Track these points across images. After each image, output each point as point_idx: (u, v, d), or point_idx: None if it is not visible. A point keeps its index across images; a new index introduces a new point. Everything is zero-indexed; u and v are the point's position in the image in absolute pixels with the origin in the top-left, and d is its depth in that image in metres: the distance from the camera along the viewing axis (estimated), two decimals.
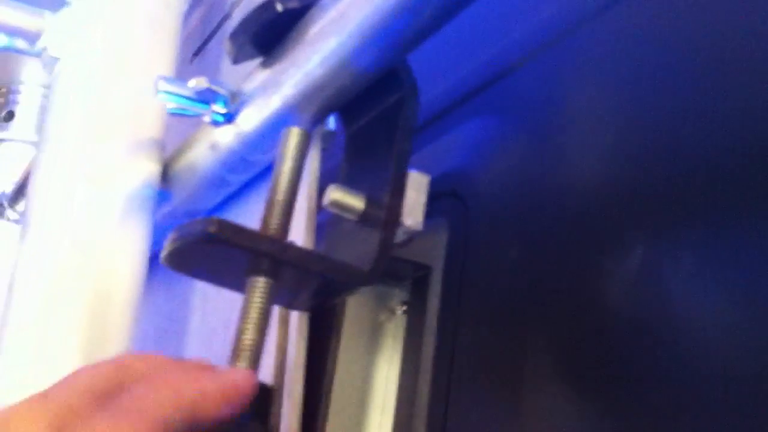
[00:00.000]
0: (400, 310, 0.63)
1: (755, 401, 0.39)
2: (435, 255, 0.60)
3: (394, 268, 0.62)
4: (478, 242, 0.59)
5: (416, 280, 0.62)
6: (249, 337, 0.46)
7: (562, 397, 0.50)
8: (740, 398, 0.39)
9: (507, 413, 0.53)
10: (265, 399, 0.46)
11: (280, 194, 0.49)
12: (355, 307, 0.63)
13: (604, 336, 0.48)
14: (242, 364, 0.46)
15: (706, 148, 0.46)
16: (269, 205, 0.49)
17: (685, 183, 0.47)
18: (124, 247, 0.67)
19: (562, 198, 0.55)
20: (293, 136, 0.50)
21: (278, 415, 0.56)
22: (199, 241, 0.45)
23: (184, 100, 0.56)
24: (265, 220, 0.49)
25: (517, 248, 0.56)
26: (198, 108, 0.57)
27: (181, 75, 0.75)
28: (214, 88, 0.56)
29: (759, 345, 0.39)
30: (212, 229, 0.44)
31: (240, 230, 0.45)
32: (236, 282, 0.50)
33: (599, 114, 0.55)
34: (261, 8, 0.51)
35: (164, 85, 0.56)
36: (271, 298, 0.48)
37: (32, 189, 0.68)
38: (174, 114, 0.59)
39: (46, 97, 1.17)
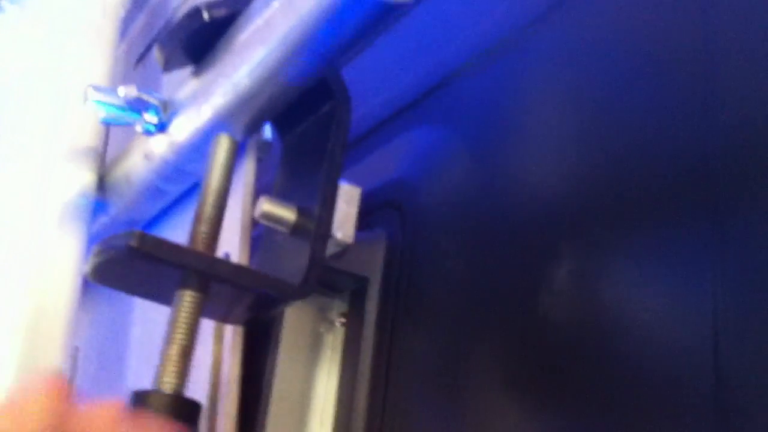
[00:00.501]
0: (339, 321, 0.62)
1: (686, 399, 0.39)
2: (373, 266, 0.60)
3: (332, 280, 0.61)
4: (417, 253, 0.59)
5: (354, 292, 0.61)
6: (175, 353, 0.45)
7: (499, 405, 0.50)
8: (671, 397, 0.39)
9: (444, 422, 0.52)
10: (191, 415, 0.45)
11: (209, 204, 0.48)
12: (294, 319, 0.62)
13: (541, 344, 0.48)
14: (169, 380, 0.45)
15: (640, 158, 0.46)
16: (198, 214, 0.48)
17: (618, 193, 0.47)
18: (60, 256, 0.65)
19: (500, 208, 0.55)
20: (222, 143, 0.50)
21: (215, 429, 0.55)
22: (122, 255, 0.44)
23: (114, 110, 0.55)
24: (195, 231, 0.48)
25: (455, 258, 0.56)
26: (129, 117, 0.56)
27: (126, 82, 0.74)
28: (144, 97, 0.55)
29: (687, 346, 0.39)
30: (134, 243, 0.43)
31: (163, 244, 0.44)
32: (165, 296, 0.49)
33: (539, 124, 0.55)
34: (189, 16, 0.50)
35: (94, 94, 0.55)
36: (199, 312, 0.47)
37: None
38: (106, 123, 0.58)
39: None
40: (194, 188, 0.65)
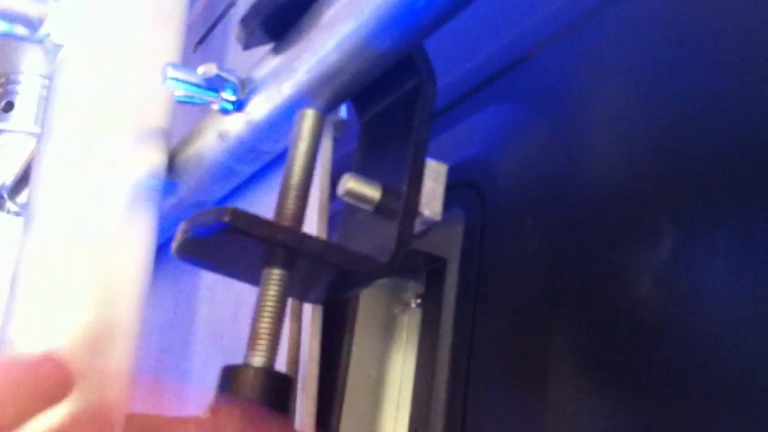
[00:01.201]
0: (414, 302, 0.62)
1: None
2: (451, 247, 0.59)
3: (408, 260, 0.60)
4: (495, 234, 0.58)
5: (431, 273, 0.61)
6: (265, 330, 0.45)
7: (583, 393, 0.49)
8: (765, 398, 0.38)
9: (527, 409, 0.51)
10: (284, 389, 0.45)
11: (295, 178, 0.48)
12: (368, 300, 0.61)
13: (628, 330, 0.47)
14: (258, 358, 0.45)
15: (735, 136, 0.45)
16: (284, 190, 0.48)
17: (712, 172, 0.45)
18: (131, 239, 0.65)
19: (581, 188, 0.54)
20: (308, 118, 0.49)
21: (293, 409, 0.54)
22: (213, 231, 0.44)
23: (192, 88, 0.55)
24: (280, 206, 0.47)
25: (535, 240, 0.55)
26: (207, 96, 0.56)
27: (186, 64, 0.74)
28: (223, 74, 0.54)
29: None
30: (227, 218, 0.43)
31: (255, 220, 0.44)
32: (250, 273, 0.48)
33: (619, 102, 0.54)
34: None
35: (173, 72, 0.55)
36: (286, 289, 0.47)
37: (35, 181, 0.66)
38: (182, 102, 0.57)
39: (46, 87, 1.15)
40: (263, 169, 0.64)
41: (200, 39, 0.87)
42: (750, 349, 0.40)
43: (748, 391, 0.39)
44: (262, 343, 0.44)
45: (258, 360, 0.44)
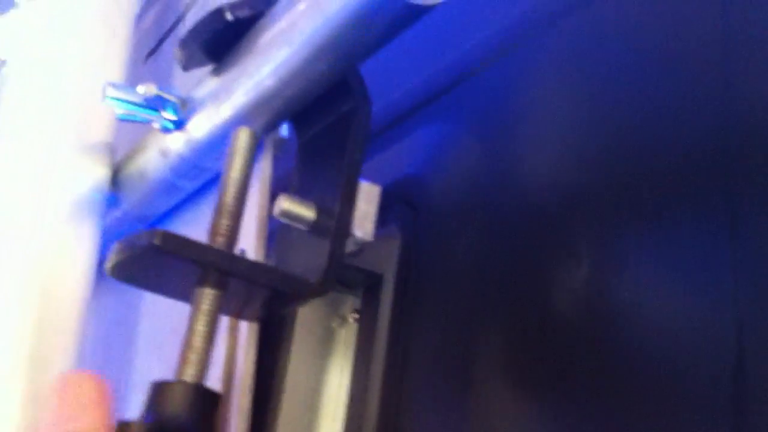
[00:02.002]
0: (352, 317, 0.63)
1: (706, 398, 0.39)
2: (387, 262, 0.60)
3: (345, 276, 0.62)
4: (429, 249, 0.59)
5: (368, 288, 0.62)
6: (196, 347, 0.46)
7: (513, 401, 0.51)
8: (691, 396, 0.40)
9: (458, 418, 0.53)
10: (211, 406, 0.46)
11: (229, 196, 0.49)
12: (306, 315, 0.62)
13: (554, 339, 0.49)
14: (191, 371, 0.46)
15: (654, 150, 0.47)
16: (218, 207, 0.49)
17: (632, 188, 0.47)
18: (72, 250, 0.66)
19: (513, 204, 0.56)
20: (242, 136, 0.50)
21: (227, 424, 0.55)
22: (143, 253, 0.45)
23: (132, 107, 0.56)
24: (214, 224, 0.48)
25: (469, 255, 0.57)
26: (147, 114, 0.56)
27: (135, 76, 0.74)
28: (163, 95, 0.55)
29: (705, 344, 0.40)
30: (157, 241, 0.44)
31: (186, 242, 0.45)
32: (183, 292, 0.49)
33: (552, 122, 0.55)
34: (211, 16, 0.51)
35: (112, 92, 0.55)
36: (219, 308, 0.48)
37: None
38: (123, 120, 0.58)
39: None
40: (206, 184, 0.65)
41: (150, 51, 0.88)
42: (664, 354, 0.42)
43: (663, 396, 0.41)
44: (193, 359, 0.45)
45: (190, 376, 0.45)
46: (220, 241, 0.47)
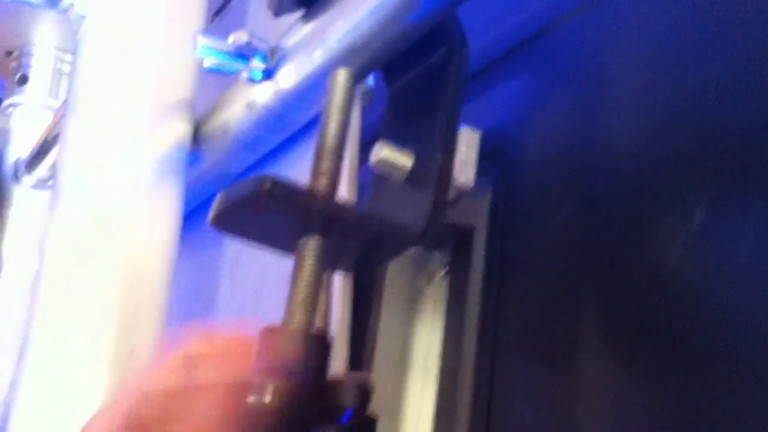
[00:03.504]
0: (440, 274, 0.62)
1: None
2: (478, 217, 0.59)
3: (434, 232, 0.60)
4: (522, 204, 0.58)
5: (457, 243, 0.60)
6: (302, 295, 0.45)
7: (612, 366, 0.49)
8: None
9: (555, 382, 0.51)
10: (322, 351, 0.45)
11: (331, 138, 0.47)
12: (394, 273, 0.61)
13: (657, 302, 0.47)
14: (299, 316, 0.45)
15: (762, 104, 0.45)
16: (319, 152, 0.47)
17: (743, 144, 0.45)
18: (157, 209, 0.65)
19: (610, 159, 0.54)
20: (341, 77, 0.48)
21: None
22: (252, 201, 0.44)
23: (223, 56, 0.55)
24: (317, 168, 0.47)
25: (562, 211, 0.55)
26: (236, 64, 0.55)
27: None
28: (254, 42, 0.54)
29: None
30: (267, 186, 0.43)
31: (294, 189, 0.44)
32: (286, 242, 0.48)
33: (649, 72, 0.53)
34: None
35: (204, 41, 0.54)
36: (322, 257, 0.47)
37: (61, 154, 0.66)
38: (210, 71, 0.57)
39: (60, 60, 1.14)
40: (292, 138, 0.64)
41: (217, 10, 0.87)
42: None
43: None
44: (301, 307, 0.44)
45: (297, 322, 0.44)
46: (324, 184, 0.46)
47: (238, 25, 0.86)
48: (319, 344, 0.44)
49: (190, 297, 0.80)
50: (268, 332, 0.44)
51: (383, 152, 0.49)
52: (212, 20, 0.90)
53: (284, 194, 0.43)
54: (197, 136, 0.67)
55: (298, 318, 0.44)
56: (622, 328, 0.49)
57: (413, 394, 0.61)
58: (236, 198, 0.44)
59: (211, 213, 0.46)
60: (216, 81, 0.65)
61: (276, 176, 0.43)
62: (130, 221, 0.63)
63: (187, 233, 0.76)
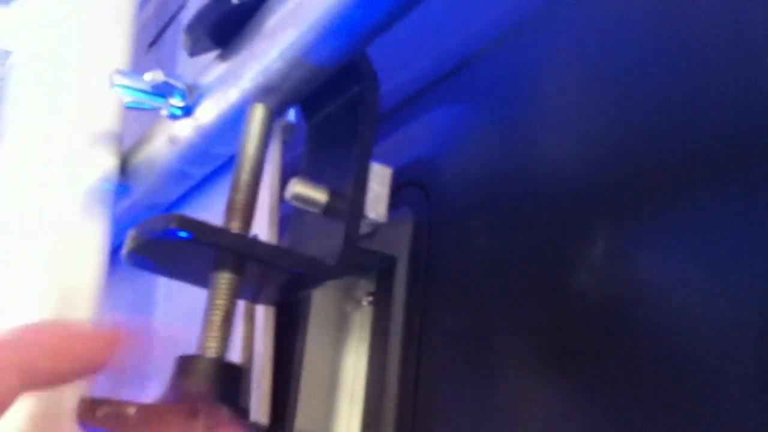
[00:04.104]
0: (366, 300, 0.63)
1: (725, 381, 0.39)
2: (400, 245, 0.60)
3: (359, 259, 0.61)
4: (443, 231, 0.59)
5: (382, 271, 0.62)
6: (216, 325, 0.46)
7: (531, 384, 0.51)
8: (712, 378, 0.40)
9: (476, 400, 0.53)
10: (234, 379, 0.46)
11: (246, 172, 0.49)
12: (321, 299, 0.62)
13: (572, 321, 0.48)
14: (212, 345, 0.46)
15: (672, 136, 0.47)
16: (234, 185, 0.49)
17: (650, 167, 0.47)
18: (84, 241, 0.66)
19: (526, 186, 0.55)
20: (257, 112, 0.50)
21: (247, 402, 0.56)
22: (161, 238, 0.45)
23: (140, 94, 0.56)
24: (231, 201, 0.48)
25: (482, 237, 0.57)
26: (155, 101, 0.56)
27: (138, 65, 0.74)
28: (170, 81, 0.55)
29: (726, 327, 0.40)
30: (174, 224, 0.44)
31: (202, 226, 0.45)
32: (200, 277, 0.49)
33: (565, 102, 0.55)
34: (216, 1, 0.51)
35: (120, 79, 0.55)
36: (237, 293, 0.48)
37: None
38: (130, 108, 0.58)
39: None
40: (216, 172, 0.65)
41: (152, 40, 0.88)
42: (679, 337, 0.42)
43: (685, 378, 0.41)
44: (214, 336, 0.46)
45: (211, 350, 0.46)
46: (237, 222, 0.47)
47: (173, 54, 0.86)
48: (230, 372, 0.45)
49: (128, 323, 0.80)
50: (183, 360, 0.45)
51: (296, 188, 0.51)
52: (147, 51, 0.91)
53: (193, 232, 0.44)
54: (125, 169, 0.68)
55: (212, 346, 0.45)
56: (542, 350, 0.50)
57: (341, 418, 0.62)
58: (146, 235, 0.45)
59: (124, 250, 0.47)
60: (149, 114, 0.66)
61: (184, 215, 0.44)
62: (57, 251, 0.64)
63: (123, 263, 0.77)
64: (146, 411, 0.42)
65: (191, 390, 0.45)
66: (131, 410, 0.42)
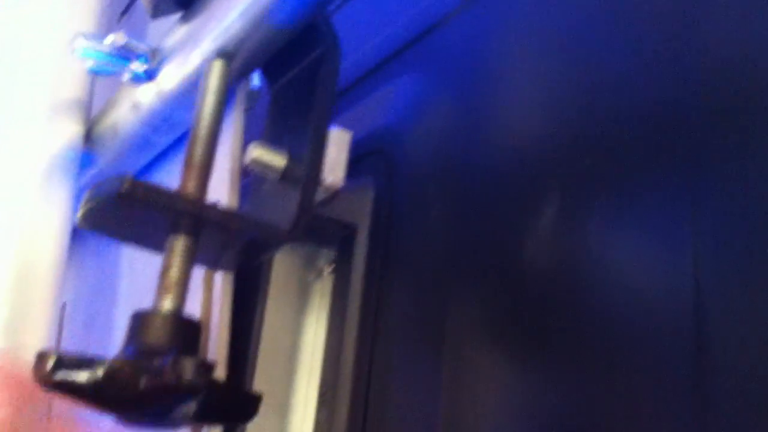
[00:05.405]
0: (327, 270, 0.63)
1: (668, 346, 0.39)
2: (361, 214, 0.60)
3: (320, 228, 0.61)
4: (404, 200, 0.59)
5: (343, 240, 0.62)
6: (173, 279, 0.46)
7: (483, 354, 0.51)
8: (654, 342, 0.40)
9: (431, 370, 0.53)
10: (193, 334, 0.46)
11: (203, 129, 0.48)
12: (282, 267, 0.62)
13: (524, 291, 0.49)
14: (168, 301, 0.46)
15: (619, 105, 0.47)
16: (192, 140, 0.48)
17: (599, 140, 0.47)
18: (47, 211, 0.65)
19: (484, 155, 0.55)
20: (216, 67, 0.49)
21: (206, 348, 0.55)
22: (111, 200, 0.44)
23: (102, 57, 0.55)
24: (188, 158, 0.48)
25: (441, 205, 0.57)
26: (117, 66, 0.56)
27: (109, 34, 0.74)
28: (132, 45, 0.55)
29: (668, 292, 0.40)
30: (125, 187, 0.44)
31: (154, 189, 0.45)
32: (156, 242, 0.49)
33: (522, 71, 0.55)
34: None
35: (82, 42, 0.55)
36: (192, 257, 0.48)
37: None
38: (94, 73, 0.57)
39: None
40: (181, 138, 0.65)
41: (124, 10, 0.87)
42: (630, 299, 0.42)
43: (626, 342, 0.41)
44: (169, 292, 0.45)
45: (166, 306, 0.45)
46: (193, 181, 0.47)
47: (144, 24, 0.86)
48: (188, 327, 0.45)
49: (94, 297, 0.80)
50: (139, 316, 0.45)
51: (255, 152, 0.50)
52: (119, 20, 0.90)
53: (143, 194, 0.43)
54: (90, 137, 0.67)
55: (167, 302, 0.45)
56: (495, 319, 0.50)
57: (301, 386, 0.62)
58: (98, 197, 0.44)
59: (78, 214, 0.47)
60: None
61: (135, 178, 0.44)
62: (20, 221, 0.63)
63: (88, 236, 0.76)
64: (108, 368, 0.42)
65: (148, 345, 0.44)
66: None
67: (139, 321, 0.45)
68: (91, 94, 0.70)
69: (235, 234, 0.48)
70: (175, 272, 0.46)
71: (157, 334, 0.45)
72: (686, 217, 0.40)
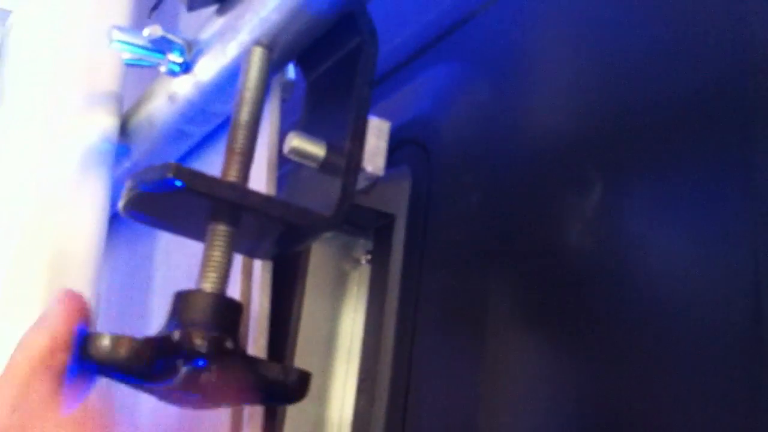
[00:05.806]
0: (364, 259, 0.63)
1: (714, 335, 0.39)
2: (398, 203, 0.60)
3: (357, 218, 0.62)
4: (441, 189, 0.59)
5: (380, 229, 0.62)
6: (213, 271, 0.46)
7: (526, 340, 0.51)
8: (700, 332, 0.40)
9: (471, 358, 0.53)
10: (234, 314, 0.46)
11: (245, 115, 0.48)
12: (319, 257, 0.62)
13: (567, 276, 0.49)
14: (211, 281, 0.46)
15: (665, 85, 0.46)
16: (234, 127, 0.48)
17: (644, 122, 0.47)
18: (84, 203, 0.66)
19: (522, 143, 0.55)
20: (256, 54, 0.49)
21: (246, 337, 0.56)
22: (157, 188, 0.45)
23: (139, 50, 0.55)
24: (230, 144, 0.48)
25: (479, 194, 0.57)
26: (153, 58, 0.56)
27: (140, 29, 0.74)
28: (169, 36, 0.55)
29: (714, 279, 0.40)
30: (170, 174, 0.44)
31: (198, 176, 0.45)
32: (196, 230, 0.50)
33: (562, 60, 0.55)
34: None
35: (118, 35, 0.55)
36: (232, 245, 0.48)
37: None
38: (130, 65, 0.58)
39: None
40: (217, 130, 0.65)
41: (154, 5, 0.87)
42: (675, 286, 0.42)
43: (675, 331, 0.41)
44: (212, 273, 0.46)
45: (210, 286, 0.46)
46: (235, 168, 0.47)
47: (175, 18, 0.86)
48: (229, 306, 0.45)
49: (129, 286, 0.81)
50: (182, 295, 0.46)
51: (294, 141, 0.51)
52: (150, 15, 0.91)
53: (187, 181, 0.44)
54: (125, 129, 0.68)
55: (209, 283, 0.45)
56: (539, 305, 0.50)
57: (339, 374, 0.62)
58: (142, 185, 0.45)
59: (121, 201, 0.47)
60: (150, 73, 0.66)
61: (180, 165, 0.44)
62: (56, 212, 0.64)
63: (123, 226, 0.77)
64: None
65: (190, 322, 0.45)
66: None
67: (181, 299, 0.46)
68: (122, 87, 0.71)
69: (277, 221, 0.48)
70: (217, 256, 0.47)
71: (198, 312, 0.45)
72: (741, 194, 0.40)
